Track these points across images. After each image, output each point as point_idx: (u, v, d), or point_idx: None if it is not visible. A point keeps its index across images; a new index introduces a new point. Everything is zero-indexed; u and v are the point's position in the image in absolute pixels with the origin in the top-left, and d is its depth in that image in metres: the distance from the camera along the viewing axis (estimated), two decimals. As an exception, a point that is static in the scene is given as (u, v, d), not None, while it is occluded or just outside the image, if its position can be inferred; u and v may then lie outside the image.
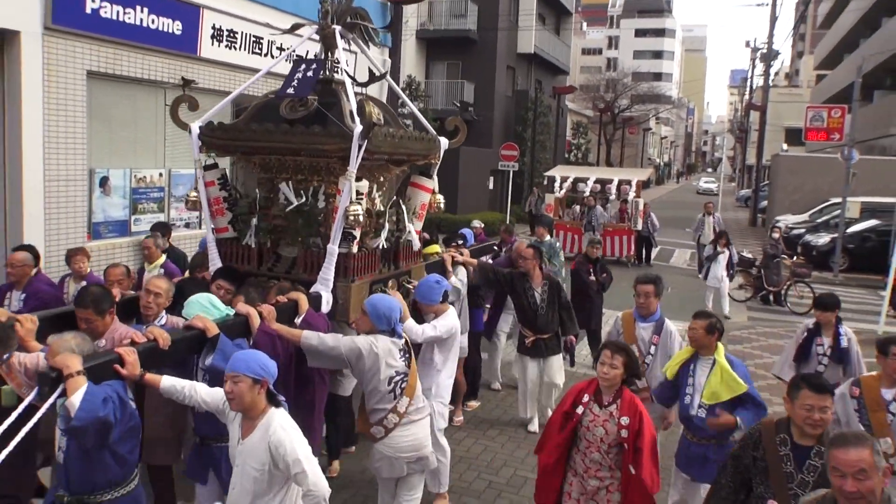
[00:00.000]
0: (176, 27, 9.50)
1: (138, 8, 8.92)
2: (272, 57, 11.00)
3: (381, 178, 6.17)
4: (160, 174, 9.90)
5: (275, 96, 5.82)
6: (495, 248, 9.44)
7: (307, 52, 6.19)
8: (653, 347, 5.95)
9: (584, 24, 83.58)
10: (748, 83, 54.00)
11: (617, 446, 4.36)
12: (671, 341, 5.94)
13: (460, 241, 8.08)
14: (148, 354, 3.84)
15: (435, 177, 6.51)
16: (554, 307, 7.25)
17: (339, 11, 5.94)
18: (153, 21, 9.16)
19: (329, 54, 5.98)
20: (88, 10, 8.30)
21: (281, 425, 3.49)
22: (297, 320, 4.96)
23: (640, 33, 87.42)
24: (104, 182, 9.09)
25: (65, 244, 8.16)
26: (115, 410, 3.42)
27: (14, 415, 3.28)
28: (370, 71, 6.34)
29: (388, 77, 6.93)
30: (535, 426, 7.37)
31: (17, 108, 7.76)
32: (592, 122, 50.32)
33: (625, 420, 4.31)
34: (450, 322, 5.60)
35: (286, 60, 9.00)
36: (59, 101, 8.15)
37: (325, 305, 5.35)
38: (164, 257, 7.67)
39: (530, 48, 33.13)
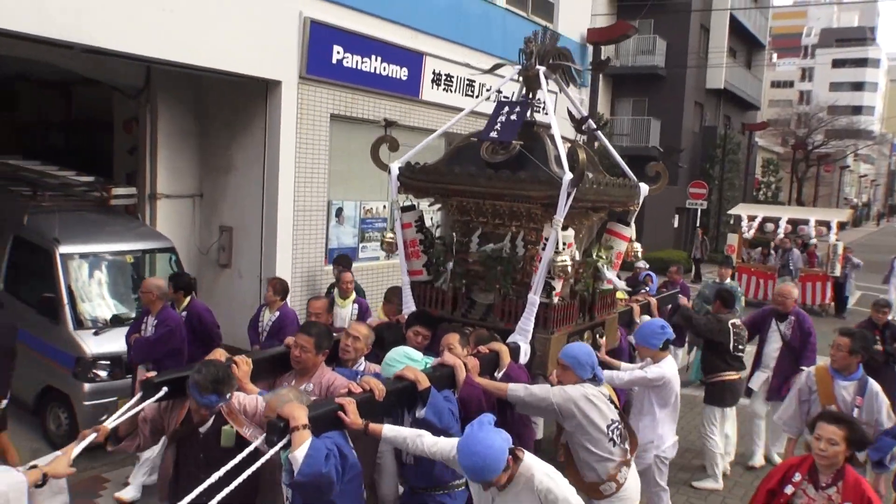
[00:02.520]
0: (402, 73, 10.49)
1: (373, 57, 9.96)
2: (485, 99, 11.75)
3: (581, 226, 5.95)
4: (384, 206, 10.87)
5: (477, 139, 5.74)
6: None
7: (513, 93, 6.27)
8: (855, 410, 5.43)
9: (775, 56, 79.88)
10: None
11: None
12: (877, 403, 5.42)
13: (646, 289, 7.96)
14: (364, 405, 3.79)
15: (633, 224, 6.28)
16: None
17: (542, 51, 5.79)
18: (384, 68, 10.18)
19: (531, 95, 5.86)
20: (334, 61, 9.41)
21: (545, 473, 3.36)
22: (498, 374, 4.80)
23: (838, 64, 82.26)
24: (339, 213, 10.17)
25: (307, 268, 9.24)
26: (336, 465, 3.41)
27: (239, 458, 3.36)
28: (571, 115, 6.17)
29: (596, 129, 6.66)
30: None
31: (277, 146, 8.95)
32: (783, 158, 48.02)
33: None
34: (661, 370, 5.36)
35: (490, 100, 9.63)
36: (307, 141, 9.28)
37: (523, 357, 5.20)
38: (354, 293, 8.05)
39: (720, 83, 32.37)
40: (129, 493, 6.28)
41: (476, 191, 5.48)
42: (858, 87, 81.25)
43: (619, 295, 7.17)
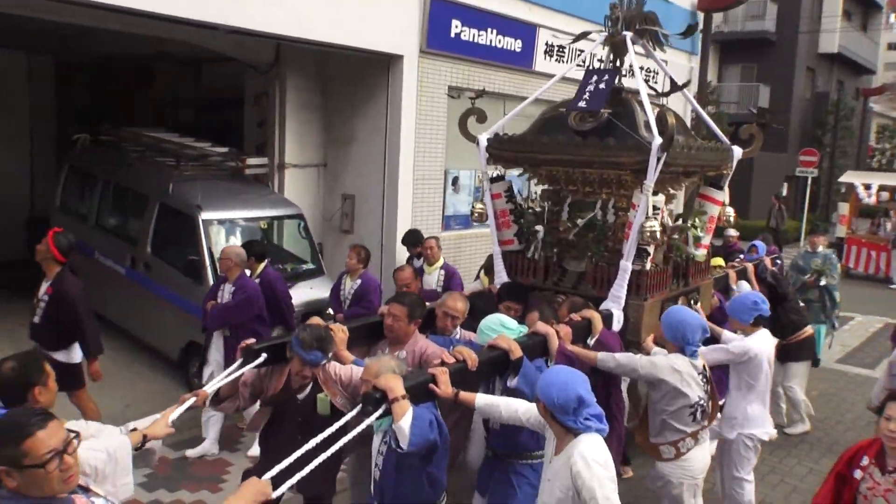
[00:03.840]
0: (517, 45, 10.66)
1: (489, 30, 10.17)
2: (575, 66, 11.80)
3: (673, 191, 5.98)
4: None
5: (565, 109, 5.71)
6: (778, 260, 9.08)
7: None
8: None
9: (892, 16, 75.02)
10: None
11: None
12: None
13: (741, 257, 7.89)
14: (457, 374, 3.81)
15: (726, 188, 6.19)
16: None
17: (628, 17, 5.76)
18: (499, 41, 10.37)
19: (619, 62, 5.82)
20: (452, 35, 9.68)
21: (582, 454, 3.19)
22: (591, 341, 4.81)
23: (963, 23, 76.87)
24: (455, 181, 10.50)
25: (426, 234, 9.58)
26: (439, 433, 3.49)
27: (336, 426, 3.36)
28: (672, 81, 6.05)
29: (684, 90, 6.41)
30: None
31: (398, 117, 9.32)
32: (901, 125, 45.50)
33: None
34: (746, 343, 5.19)
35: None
36: (426, 112, 9.61)
37: (616, 324, 5.21)
38: (442, 259, 8.01)
39: (833, 48, 31.02)
40: (198, 450, 6.53)
41: (565, 159, 5.50)
42: None
43: (717, 261, 7.20)
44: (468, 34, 9.86)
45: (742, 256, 8.25)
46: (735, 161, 6.14)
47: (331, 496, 4.47)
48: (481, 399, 3.81)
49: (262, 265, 7.13)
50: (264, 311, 6.70)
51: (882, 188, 17.96)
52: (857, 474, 3.69)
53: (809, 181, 22.71)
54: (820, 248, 10.01)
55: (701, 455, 4.62)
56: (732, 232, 10.13)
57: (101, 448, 3.05)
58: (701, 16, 15.31)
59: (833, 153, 28.47)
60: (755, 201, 24.43)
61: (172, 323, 8.22)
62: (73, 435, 2.51)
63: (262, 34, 7.90)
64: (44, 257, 5.94)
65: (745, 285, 7.01)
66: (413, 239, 8.58)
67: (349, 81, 9.90)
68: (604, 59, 6.04)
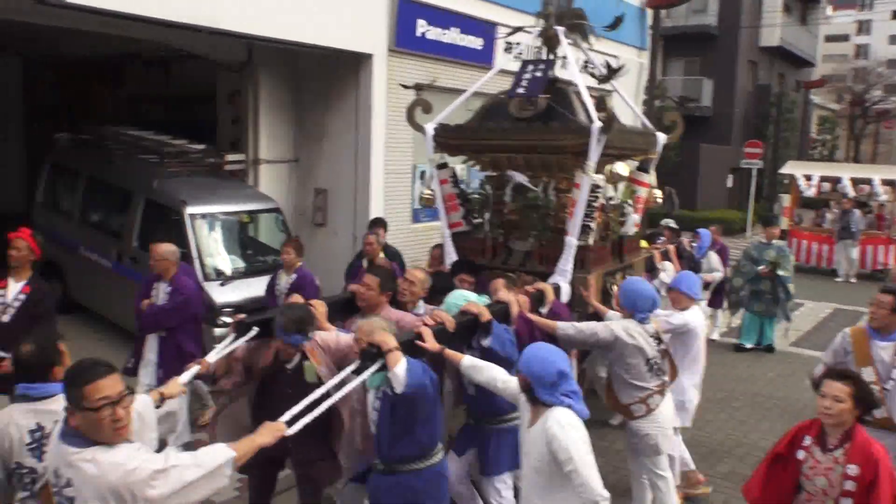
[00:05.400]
0: (478, 43, 11.22)
1: (452, 29, 10.73)
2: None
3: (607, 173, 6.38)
4: (462, 169, 11.67)
5: (505, 96, 6.11)
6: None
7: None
8: (894, 371, 5.04)
9: (830, 9, 77.56)
10: None
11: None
12: None
13: (662, 239, 8.38)
14: (437, 335, 4.15)
15: (653, 172, 6.70)
16: None
17: (559, 13, 6.32)
18: (462, 39, 10.94)
19: (553, 54, 6.21)
20: (418, 34, 10.22)
21: (558, 420, 3.40)
22: (544, 310, 5.26)
23: (896, 16, 79.81)
24: (423, 175, 10.99)
25: (396, 226, 10.09)
26: (431, 379, 3.80)
27: (325, 387, 3.66)
28: (608, 66, 6.48)
29: (613, 75, 6.58)
30: None
31: (368, 114, 9.82)
32: (840, 115, 47.27)
33: (853, 469, 3.51)
34: (685, 317, 5.58)
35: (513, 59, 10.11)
36: (395, 109, 10.06)
37: (564, 296, 5.64)
38: (382, 254, 7.71)
39: (774, 41, 32.24)
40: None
41: (509, 144, 5.89)
42: (919, 38, 78.73)
43: (643, 244, 7.65)
44: (433, 33, 10.40)
45: (661, 240, 8.66)
46: (660, 146, 6.62)
47: (327, 476, 4.53)
48: (467, 360, 4.12)
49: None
50: (201, 309, 6.56)
51: (824, 179, 17.78)
52: (800, 455, 3.70)
53: (755, 173, 23.60)
54: (776, 241, 10.31)
55: (666, 408, 5.03)
56: (668, 221, 10.31)
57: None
58: (650, 12, 16.08)
59: (776, 145, 29.54)
60: (701, 192, 25.38)
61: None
62: (127, 391, 2.81)
63: (235, 34, 8.29)
64: (23, 257, 5.65)
65: (668, 265, 7.58)
66: (380, 224, 8.45)
67: (320, 79, 10.33)
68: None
